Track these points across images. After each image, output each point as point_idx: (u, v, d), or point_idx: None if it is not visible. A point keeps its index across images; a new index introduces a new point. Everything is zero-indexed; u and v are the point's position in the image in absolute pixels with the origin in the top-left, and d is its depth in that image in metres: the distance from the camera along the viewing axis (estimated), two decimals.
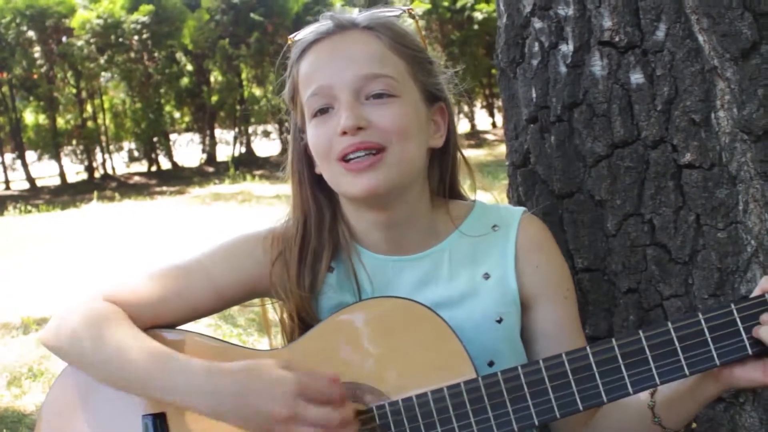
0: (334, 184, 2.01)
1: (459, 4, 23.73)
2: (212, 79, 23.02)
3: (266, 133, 23.74)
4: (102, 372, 1.94)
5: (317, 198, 2.09)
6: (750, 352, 1.73)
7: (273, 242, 2.09)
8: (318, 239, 2.07)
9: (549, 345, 2.03)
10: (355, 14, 2.06)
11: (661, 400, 1.88)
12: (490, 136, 24.97)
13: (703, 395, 1.83)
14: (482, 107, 29.29)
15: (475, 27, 23.75)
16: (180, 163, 22.92)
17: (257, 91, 23.12)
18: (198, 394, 1.81)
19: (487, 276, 2.03)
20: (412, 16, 2.14)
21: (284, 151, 2.18)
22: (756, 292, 1.75)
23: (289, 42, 2.11)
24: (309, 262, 2.06)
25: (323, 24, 2.05)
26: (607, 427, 1.99)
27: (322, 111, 1.97)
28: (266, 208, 13.58)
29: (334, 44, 2.01)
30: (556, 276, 2.07)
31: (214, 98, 22.49)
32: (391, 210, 2.02)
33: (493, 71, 24.98)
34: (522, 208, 2.13)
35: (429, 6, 23.35)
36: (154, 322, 2.02)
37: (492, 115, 28.64)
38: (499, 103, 28.01)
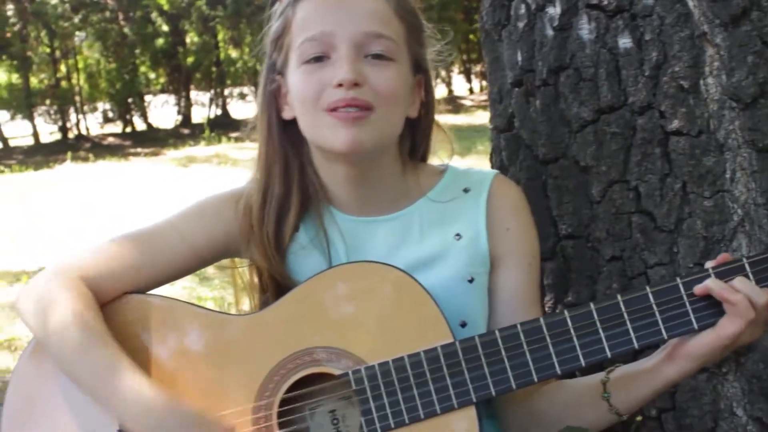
0: (314, 134, 1.97)
1: None
2: (188, 40, 22.83)
3: (242, 96, 23.61)
4: (61, 365, 1.86)
5: (284, 145, 2.04)
6: (696, 326, 1.78)
7: (242, 202, 2.05)
8: (284, 192, 2.02)
9: (504, 309, 2.03)
10: None
11: (616, 377, 1.89)
12: (467, 102, 24.95)
13: (660, 378, 1.85)
14: (459, 72, 29.24)
15: None
16: (155, 125, 22.78)
17: (233, 53, 22.97)
18: (142, 424, 1.75)
19: (458, 236, 2.02)
20: None
21: None
22: (707, 265, 1.80)
23: None
24: (274, 219, 2.02)
25: None
26: (552, 403, 1.98)
27: (317, 59, 1.93)
28: (242, 171, 13.50)
29: None
30: (525, 241, 2.07)
31: (190, 59, 22.33)
32: (364, 167, 2.00)
33: (471, 37, 24.94)
34: (495, 171, 2.13)
35: None
36: (129, 289, 1.97)
37: (469, 80, 28.61)
38: (476, 68, 28.01)
